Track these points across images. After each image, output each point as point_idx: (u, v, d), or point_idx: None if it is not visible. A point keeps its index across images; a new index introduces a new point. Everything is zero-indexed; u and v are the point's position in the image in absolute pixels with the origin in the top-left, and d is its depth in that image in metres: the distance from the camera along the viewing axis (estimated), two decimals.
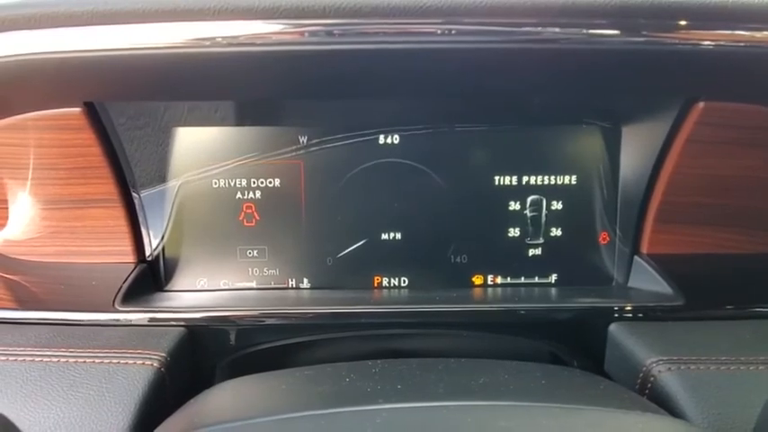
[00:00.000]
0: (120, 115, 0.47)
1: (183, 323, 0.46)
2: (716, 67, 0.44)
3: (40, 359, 0.40)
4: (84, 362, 0.40)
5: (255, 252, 0.52)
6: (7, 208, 0.49)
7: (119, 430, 0.35)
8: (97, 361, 0.40)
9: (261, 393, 0.37)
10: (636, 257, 0.52)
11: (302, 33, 0.40)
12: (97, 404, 0.36)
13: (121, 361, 0.40)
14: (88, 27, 0.39)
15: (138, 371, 0.39)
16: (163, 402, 0.39)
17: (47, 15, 0.38)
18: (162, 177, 0.49)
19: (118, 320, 0.45)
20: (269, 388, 0.37)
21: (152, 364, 0.40)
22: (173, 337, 0.44)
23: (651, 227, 0.51)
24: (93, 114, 0.45)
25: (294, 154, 0.50)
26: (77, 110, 0.44)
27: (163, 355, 0.41)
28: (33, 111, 0.44)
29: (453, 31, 0.40)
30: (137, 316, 0.46)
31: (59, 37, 0.39)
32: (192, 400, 0.37)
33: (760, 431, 0.35)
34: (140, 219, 0.49)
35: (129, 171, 0.48)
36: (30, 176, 0.47)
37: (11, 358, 0.40)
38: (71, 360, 0.40)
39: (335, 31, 0.40)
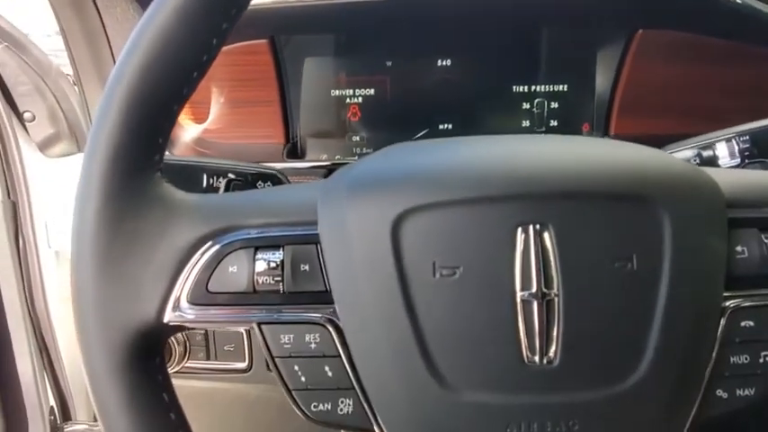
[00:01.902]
0: (287, 45, 0.76)
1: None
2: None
3: None
4: None
5: (358, 138, 0.81)
6: (209, 108, 0.79)
7: None
8: None
9: None
10: (607, 138, 0.79)
11: None
12: None
13: None
14: None
15: None
16: None
17: None
18: (303, 86, 0.79)
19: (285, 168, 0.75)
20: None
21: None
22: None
23: (616, 116, 0.78)
24: (273, 44, 0.75)
25: (383, 72, 0.79)
26: (264, 41, 0.74)
27: None
28: (238, 42, 0.74)
29: None
30: (291, 165, 0.76)
31: None
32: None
33: None
34: (289, 114, 0.79)
35: (285, 83, 0.78)
36: (223, 85, 0.77)
37: None
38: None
39: None
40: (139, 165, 0.33)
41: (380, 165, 0.36)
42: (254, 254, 0.34)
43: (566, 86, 0.78)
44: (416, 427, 0.32)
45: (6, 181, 0.90)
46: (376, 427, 0.34)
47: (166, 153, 0.36)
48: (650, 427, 0.32)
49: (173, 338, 0.66)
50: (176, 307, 0.34)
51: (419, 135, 0.80)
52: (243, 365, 0.67)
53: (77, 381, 1.09)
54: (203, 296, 0.34)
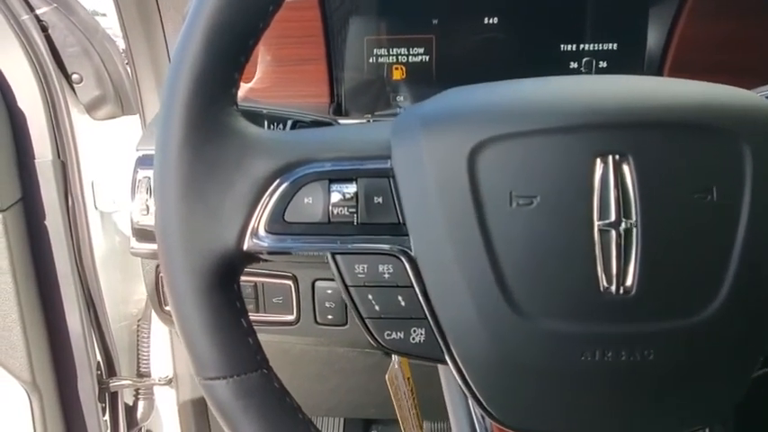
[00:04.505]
0: (334, 1, 0.76)
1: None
2: None
3: None
4: None
5: (402, 98, 0.81)
6: (255, 66, 0.79)
7: None
8: None
9: None
10: None
11: None
12: None
13: None
14: None
15: None
16: None
17: None
18: (347, 45, 0.79)
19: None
20: None
21: None
22: None
23: (667, 76, 0.76)
24: (321, 0, 0.75)
25: (429, 31, 0.79)
26: None
27: None
28: None
29: None
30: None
31: None
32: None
33: None
34: (334, 73, 0.79)
35: (332, 40, 0.78)
36: (270, 43, 0.78)
37: None
38: None
39: None
40: (219, 96, 0.34)
41: (454, 99, 0.36)
42: (329, 186, 0.35)
43: (615, 45, 0.77)
44: (490, 356, 0.33)
45: (56, 141, 0.92)
46: (447, 357, 0.34)
47: None
48: (725, 358, 0.32)
49: None
50: (254, 235, 0.35)
51: None
52: (291, 318, 0.69)
53: (122, 338, 1.13)
54: (280, 225, 0.35)
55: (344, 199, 0.35)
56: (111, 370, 1.10)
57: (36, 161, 0.92)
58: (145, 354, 1.16)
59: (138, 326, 1.17)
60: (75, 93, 0.95)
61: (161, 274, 0.71)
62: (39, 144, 0.91)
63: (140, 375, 1.18)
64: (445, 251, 0.33)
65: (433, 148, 0.34)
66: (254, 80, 0.79)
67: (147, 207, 0.68)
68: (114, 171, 1.06)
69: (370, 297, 0.35)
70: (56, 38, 0.91)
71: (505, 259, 0.32)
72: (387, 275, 0.35)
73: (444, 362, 0.34)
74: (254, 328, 0.71)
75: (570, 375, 0.32)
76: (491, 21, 0.78)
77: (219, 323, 0.34)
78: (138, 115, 1.04)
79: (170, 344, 1.07)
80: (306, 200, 0.35)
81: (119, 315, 1.13)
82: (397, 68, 0.82)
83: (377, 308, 0.35)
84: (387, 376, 0.66)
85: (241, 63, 0.36)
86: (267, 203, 0.35)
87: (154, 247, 0.70)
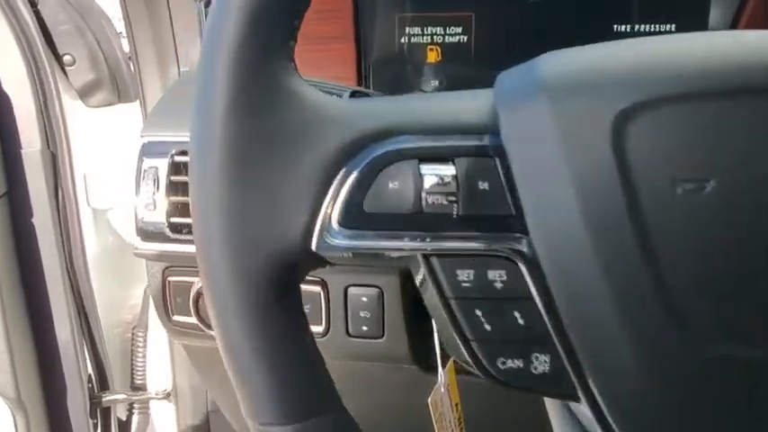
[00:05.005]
0: None
1: None
2: None
3: None
4: None
5: (436, 82, 0.73)
6: None
7: None
8: None
9: None
10: None
11: None
12: None
13: None
14: None
15: None
16: None
17: None
18: (377, 22, 0.71)
19: None
20: None
21: None
22: None
23: None
24: None
25: (468, 8, 0.71)
26: None
27: None
28: None
29: None
30: None
31: None
32: None
33: None
34: (362, 53, 0.71)
35: (362, 16, 0.70)
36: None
37: None
38: None
39: None
40: (274, 48, 0.26)
41: (579, 55, 0.28)
42: (419, 167, 0.27)
43: (674, 26, 0.70)
44: (645, 393, 0.25)
45: (46, 129, 0.83)
46: (582, 393, 0.26)
47: None
48: None
49: None
50: (325, 231, 0.26)
51: None
52: (319, 329, 0.60)
53: (114, 347, 1.03)
54: (358, 218, 0.27)
55: (441, 183, 0.27)
56: (104, 383, 1.00)
57: (23, 151, 0.83)
58: (140, 364, 1.07)
59: (133, 334, 1.08)
60: (66, 76, 0.86)
61: (168, 278, 0.62)
62: (26, 132, 0.82)
63: (135, 388, 1.08)
64: (581, 252, 0.25)
65: (562, 119, 0.26)
66: None
67: (154, 201, 0.59)
68: (109, 164, 0.97)
69: (477, 313, 0.27)
70: (46, 14, 0.82)
71: (668, 263, 0.24)
72: (499, 284, 0.26)
73: (577, 399, 0.26)
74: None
75: (761, 418, 0.24)
76: None
77: (279, 350, 0.26)
78: (135, 103, 0.95)
79: (169, 354, 0.98)
80: (391, 184, 0.27)
81: (111, 322, 1.04)
82: (431, 49, 0.74)
83: (487, 327, 0.26)
84: (430, 400, 0.57)
85: (300, 8, 0.28)
86: (341, 188, 0.27)
87: (161, 247, 0.61)
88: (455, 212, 0.27)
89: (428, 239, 0.27)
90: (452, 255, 0.27)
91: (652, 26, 0.70)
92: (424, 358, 0.62)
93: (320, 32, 0.70)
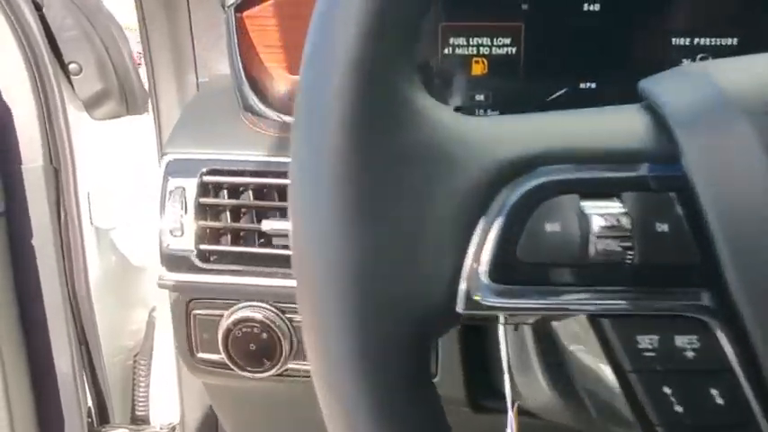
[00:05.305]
0: None
1: None
2: None
3: None
4: None
5: (482, 97, 0.67)
6: None
7: None
8: None
9: None
10: None
11: None
12: None
13: None
14: None
15: None
16: None
17: None
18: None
19: None
20: None
21: None
22: None
23: None
24: None
25: (517, 18, 0.66)
26: None
27: None
28: None
29: None
30: None
31: None
32: None
33: None
34: None
35: None
36: None
37: None
38: None
39: None
40: (403, 58, 0.21)
41: (754, 64, 0.23)
42: (579, 204, 0.21)
43: (736, 40, 0.65)
44: None
45: (49, 144, 0.76)
46: None
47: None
48: None
49: (276, 329, 0.53)
50: (473, 287, 0.21)
51: (555, 95, 0.67)
52: None
53: (115, 376, 0.96)
54: (511, 269, 0.21)
55: (611, 226, 0.21)
56: (104, 415, 0.93)
57: (23, 167, 0.76)
58: (142, 395, 1.00)
59: (135, 361, 1.00)
60: (71, 85, 0.79)
61: (193, 312, 0.56)
62: (27, 146, 0.75)
63: (135, 420, 1.01)
64: None
65: None
66: None
67: (182, 226, 0.53)
68: (113, 180, 0.90)
69: (666, 391, 0.21)
70: (51, 18, 0.76)
71: None
72: (690, 353, 0.21)
73: None
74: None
75: None
76: (591, 7, 0.66)
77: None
78: (144, 116, 0.89)
79: (178, 385, 0.91)
80: (548, 226, 0.21)
81: (112, 349, 0.96)
82: (477, 62, 0.69)
83: (678, 409, 0.21)
84: None
85: (425, 10, 0.23)
86: (488, 230, 0.21)
87: (189, 277, 0.55)
88: (630, 261, 0.21)
89: (600, 296, 0.21)
90: (630, 315, 0.21)
91: (712, 40, 0.66)
92: (477, 399, 0.56)
93: None
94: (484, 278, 0.21)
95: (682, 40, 0.65)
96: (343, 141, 0.20)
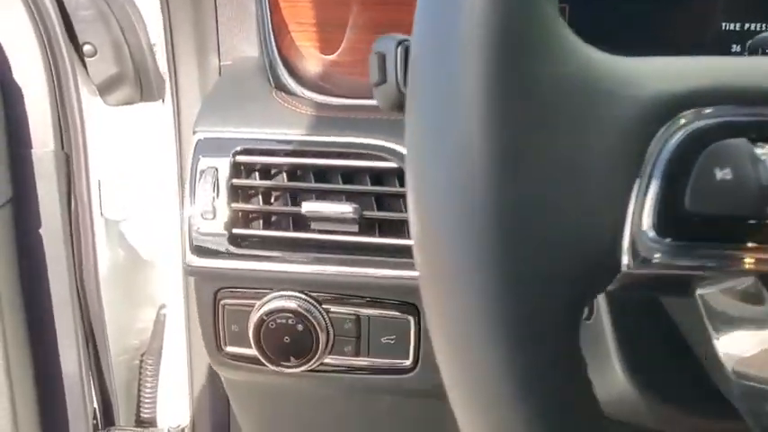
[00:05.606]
0: None
1: None
2: None
3: None
4: None
5: None
6: (343, 33, 0.62)
7: None
8: None
9: None
10: None
11: None
12: None
13: None
14: None
15: None
16: None
17: None
18: None
19: None
20: None
21: None
22: None
23: None
24: None
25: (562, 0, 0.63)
26: None
27: None
28: None
29: None
30: None
31: None
32: None
33: None
34: None
35: None
36: (365, 2, 0.61)
37: None
38: None
39: None
40: None
41: None
42: (752, 149, 0.18)
43: None
44: None
45: (61, 128, 0.72)
46: None
47: None
48: None
49: (313, 320, 0.49)
50: (637, 240, 0.17)
51: None
52: (406, 363, 0.51)
53: (120, 376, 0.92)
54: (679, 221, 0.18)
55: None
56: (109, 417, 0.89)
57: (33, 151, 0.72)
58: (149, 396, 0.95)
59: (142, 361, 0.96)
60: (86, 68, 0.76)
61: (221, 302, 0.52)
62: (38, 130, 0.72)
63: (140, 422, 0.96)
64: None
65: None
66: (339, 52, 0.62)
67: (214, 209, 0.49)
68: (125, 169, 0.87)
69: None
70: None
71: None
72: None
73: None
74: (353, 376, 0.52)
75: None
76: None
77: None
78: (156, 105, 0.85)
79: (189, 386, 0.87)
80: (719, 172, 0.18)
81: (118, 348, 0.92)
82: None
83: None
84: None
85: None
86: (651, 176, 0.18)
87: (219, 263, 0.51)
88: None
89: None
90: None
91: (764, 25, 0.63)
92: None
93: (389, 21, 0.61)
94: (648, 230, 0.17)
95: (732, 24, 0.63)
96: (497, 67, 0.17)
